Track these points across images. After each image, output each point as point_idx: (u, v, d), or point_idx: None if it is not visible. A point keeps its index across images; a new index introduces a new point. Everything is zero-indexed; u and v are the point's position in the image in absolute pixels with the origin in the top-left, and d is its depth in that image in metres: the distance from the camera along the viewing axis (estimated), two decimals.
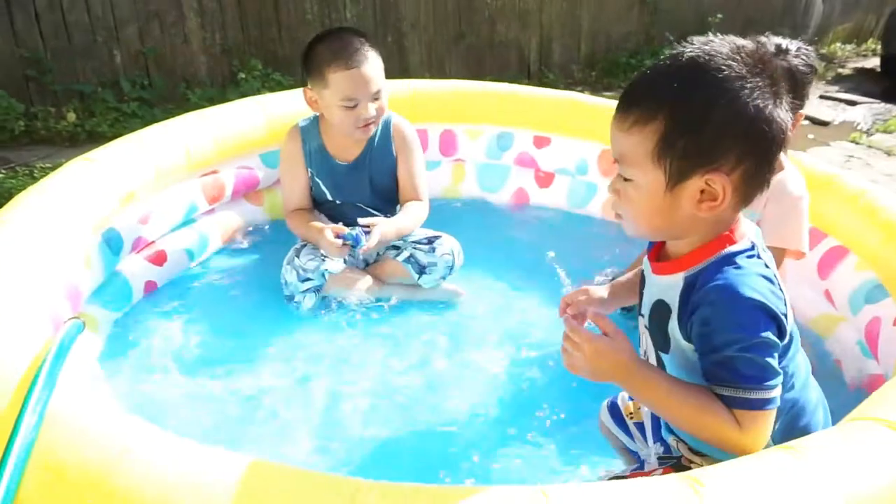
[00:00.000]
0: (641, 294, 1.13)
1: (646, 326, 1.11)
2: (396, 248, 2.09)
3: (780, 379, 0.96)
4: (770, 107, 0.92)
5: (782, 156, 1.57)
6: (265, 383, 1.70)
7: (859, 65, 7.45)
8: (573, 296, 1.25)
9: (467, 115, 2.67)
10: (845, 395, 1.62)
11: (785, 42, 1.51)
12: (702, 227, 0.99)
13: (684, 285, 1.00)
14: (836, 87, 6.26)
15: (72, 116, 3.75)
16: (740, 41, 0.96)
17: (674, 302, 1.02)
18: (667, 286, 1.04)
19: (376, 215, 2.09)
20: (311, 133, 2.07)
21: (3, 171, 3.30)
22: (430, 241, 2.06)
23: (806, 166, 2.02)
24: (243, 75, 4.19)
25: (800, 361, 1.07)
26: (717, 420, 0.95)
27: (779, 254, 1.59)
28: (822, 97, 5.93)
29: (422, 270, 2.01)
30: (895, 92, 5.81)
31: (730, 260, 0.97)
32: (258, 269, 2.21)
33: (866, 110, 5.33)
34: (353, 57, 1.86)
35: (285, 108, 2.34)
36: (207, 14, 4.16)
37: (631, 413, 1.32)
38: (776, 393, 0.95)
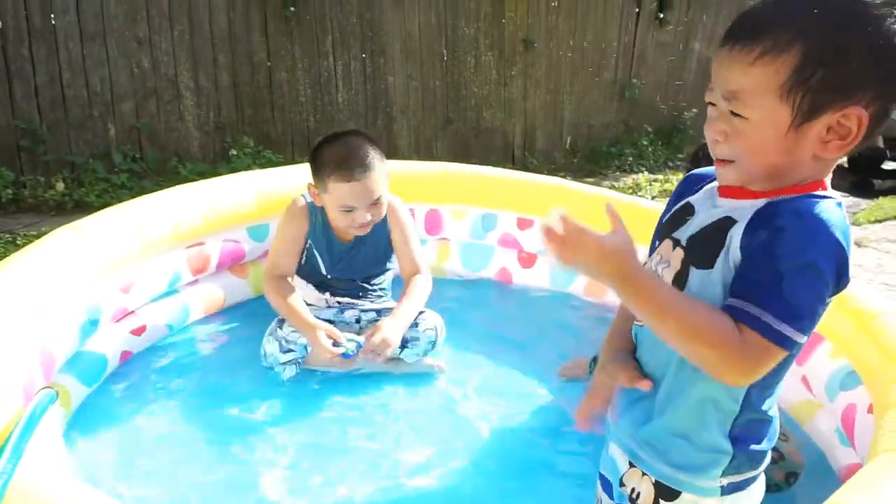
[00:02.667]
0: (683, 221, 1.00)
1: (681, 247, 0.98)
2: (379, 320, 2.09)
3: (809, 331, 0.86)
4: None
5: None
6: (240, 456, 1.65)
7: None
8: (590, 403, 1.14)
9: (453, 196, 2.74)
10: (834, 483, 1.60)
11: None
12: (812, 169, 0.90)
13: (765, 204, 0.90)
14: None
15: (60, 186, 3.79)
16: None
17: (745, 216, 0.91)
18: (741, 206, 0.93)
19: (365, 287, 2.14)
20: (316, 211, 2.10)
21: None
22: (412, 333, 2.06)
23: None
24: (234, 152, 4.29)
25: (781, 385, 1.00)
26: (720, 325, 0.84)
27: None
28: None
29: (404, 344, 2.01)
30: (862, 186, 6.06)
31: (823, 198, 0.89)
32: (237, 341, 2.19)
33: None
34: (354, 170, 1.88)
35: (276, 183, 2.39)
36: (203, 93, 4.30)
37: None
38: (798, 339, 0.85)
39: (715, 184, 1.00)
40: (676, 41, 6.93)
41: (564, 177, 5.58)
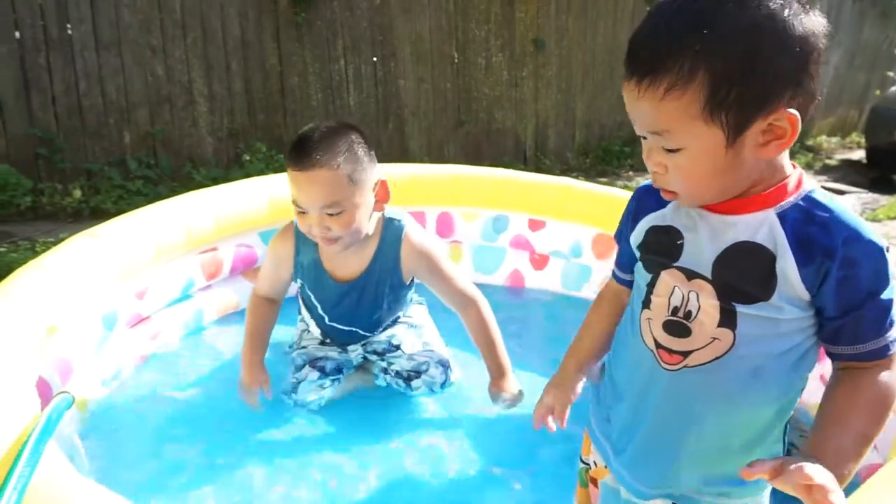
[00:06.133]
0: (676, 247, 0.96)
1: (702, 278, 0.93)
2: (383, 366, 1.93)
3: None
4: (807, 17, 0.81)
5: None
6: (251, 466, 1.66)
7: (845, 156, 7.71)
8: (543, 411, 1.17)
9: (464, 199, 2.74)
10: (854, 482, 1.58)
11: None
12: (766, 170, 0.88)
13: (784, 221, 0.88)
14: (825, 177, 6.46)
15: (77, 193, 3.84)
16: None
17: (776, 241, 0.88)
18: (753, 225, 0.89)
19: (367, 336, 1.91)
20: (306, 244, 1.75)
21: (6, 245, 3.34)
22: (418, 371, 1.90)
23: None
24: (248, 157, 4.33)
25: None
26: (886, 388, 0.90)
27: None
28: None
29: (408, 380, 1.91)
30: (882, 181, 5.99)
31: (822, 194, 0.89)
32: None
33: (855, 200, 5.47)
34: (301, 158, 1.54)
35: (287, 189, 2.41)
36: (217, 99, 4.34)
37: None
38: None
39: None
40: None
41: (577, 177, 5.57)
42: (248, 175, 4.33)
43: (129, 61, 4.00)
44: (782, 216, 0.88)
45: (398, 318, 1.97)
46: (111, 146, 4.05)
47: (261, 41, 4.42)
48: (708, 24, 0.79)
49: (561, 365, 1.22)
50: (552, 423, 1.18)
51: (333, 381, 1.87)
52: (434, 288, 1.82)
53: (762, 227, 0.89)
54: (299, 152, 1.55)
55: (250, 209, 2.34)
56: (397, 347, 1.92)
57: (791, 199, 0.89)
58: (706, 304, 0.93)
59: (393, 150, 5.20)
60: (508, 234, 2.76)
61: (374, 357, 1.95)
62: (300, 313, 2.00)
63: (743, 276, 0.91)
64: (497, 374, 1.79)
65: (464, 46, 5.39)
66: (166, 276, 2.12)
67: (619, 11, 6.20)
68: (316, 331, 1.94)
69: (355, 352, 1.95)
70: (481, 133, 5.68)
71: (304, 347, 1.94)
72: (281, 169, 4.43)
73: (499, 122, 5.74)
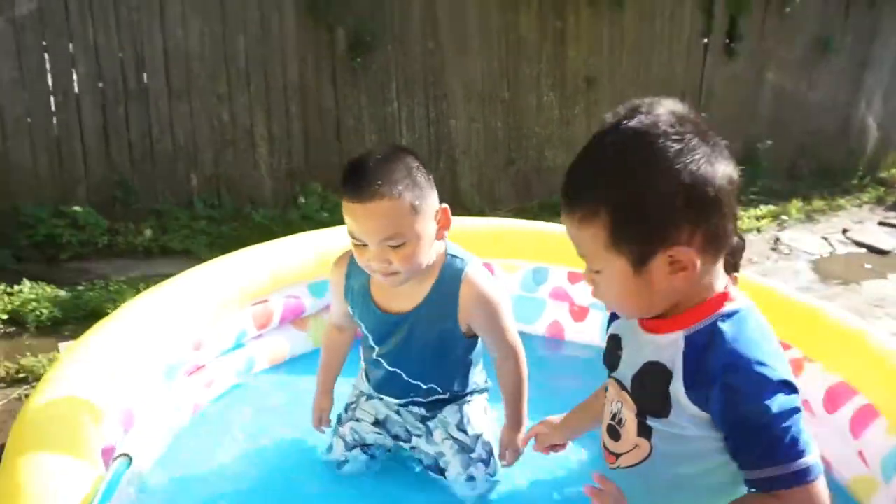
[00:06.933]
0: (617, 357, 1.08)
1: (626, 391, 1.04)
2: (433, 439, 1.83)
3: (813, 445, 0.91)
4: (706, 166, 0.89)
5: None
6: None
7: None
8: (537, 428, 1.35)
9: (504, 251, 2.82)
10: None
11: None
12: (686, 292, 0.95)
13: (687, 345, 0.95)
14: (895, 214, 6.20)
15: (148, 232, 4.12)
16: (669, 105, 0.95)
17: (674, 363, 0.96)
18: (662, 346, 0.98)
19: (413, 388, 1.78)
20: (358, 270, 1.66)
21: (84, 283, 3.62)
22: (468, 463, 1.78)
23: (831, 319, 2.05)
24: (303, 199, 4.54)
25: None
26: None
27: None
28: (880, 223, 5.85)
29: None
30: None
31: (734, 319, 0.94)
32: (300, 393, 2.30)
33: None
34: (361, 190, 1.44)
35: (332, 243, 2.55)
36: (276, 141, 4.58)
37: None
38: (816, 457, 0.90)
39: None
40: (748, 72, 6.77)
41: None
42: (303, 214, 4.54)
43: (197, 109, 4.29)
44: (689, 339, 0.96)
45: (453, 397, 1.82)
46: (179, 188, 4.33)
47: (319, 85, 4.65)
48: (611, 170, 0.91)
49: (567, 414, 1.38)
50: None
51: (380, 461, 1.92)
52: (485, 336, 1.72)
53: (670, 348, 0.97)
54: (356, 182, 1.45)
55: (300, 263, 2.49)
56: (442, 462, 1.82)
57: (702, 323, 0.95)
58: (627, 415, 1.04)
59: (444, 189, 5.28)
60: (548, 285, 2.81)
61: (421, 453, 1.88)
62: (361, 362, 1.94)
63: (648, 393, 1.00)
64: (513, 425, 1.79)
65: (515, 86, 5.49)
66: (221, 327, 2.27)
67: (674, 45, 6.17)
68: (364, 384, 1.90)
69: (402, 424, 1.88)
70: (532, 171, 5.74)
71: (357, 420, 1.89)
72: (334, 207, 4.64)
73: (549, 159, 5.79)
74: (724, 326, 0.94)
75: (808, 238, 5.48)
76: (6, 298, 3.27)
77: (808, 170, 7.47)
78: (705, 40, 6.35)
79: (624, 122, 0.92)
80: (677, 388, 0.95)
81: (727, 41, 6.48)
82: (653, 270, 0.92)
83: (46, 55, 3.87)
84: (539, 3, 5.37)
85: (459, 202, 5.38)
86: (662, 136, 0.88)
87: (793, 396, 0.91)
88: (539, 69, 5.55)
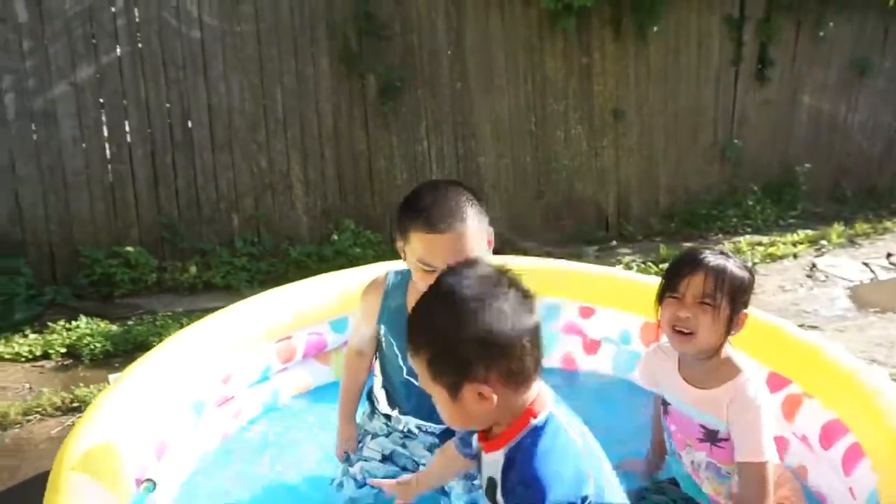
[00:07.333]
0: (479, 470, 1.30)
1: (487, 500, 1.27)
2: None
3: None
4: (501, 321, 1.10)
5: (737, 357, 1.68)
6: None
7: None
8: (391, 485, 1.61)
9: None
10: None
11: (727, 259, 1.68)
12: (497, 416, 1.17)
13: (505, 461, 1.19)
14: None
15: (193, 270, 4.42)
16: (480, 270, 1.17)
17: (498, 477, 1.20)
18: (492, 463, 1.21)
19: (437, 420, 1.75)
20: (396, 291, 1.89)
21: (134, 318, 3.92)
22: None
23: (829, 356, 2.09)
24: (336, 237, 4.78)
25: None
26: None
27: (750, 466, 1.62)
28: None
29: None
30: None
31: (536, 435, 1.16)
32: (323, 423, 2.42)
33: None
34: (437, 223, 1.60)
35: (355, 282, 2.73)
36: (312, 183, 4.85)
37: None
38: None
39: None
40: (782, 96, 6.74)
41: (661, 242, 5.57)
42: (337, 251, 4.77)
43: (238, 158, 4.60)
44: (506, 455, 1.19)
45: None
46: (222, 229, 4.64)
47: (351, 130, 4.91)
48: (424, 323, 1.16)
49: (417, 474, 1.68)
50: None
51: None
52: None
53: (496, 464, 1.21)
54: (435, 216, 1.60)
55: (323, 303, 2.68)
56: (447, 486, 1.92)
57: (514, 440, 1.18)
58: None
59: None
60: (560, 320, 2.91)
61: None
62: (371, 391, 2.07)
63: (491, 501, 1.23)
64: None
65: (542, 121, 5.64)
66: (247, 363, 2.47)
67: (702, 72, 6.22)
68: (384, 404, 2.00)
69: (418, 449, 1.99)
70: (561, 203, 5.84)
71: (366, 460, 2.01)
72: (366, 243, 4.85)
73: (579, 191, 5.88)
74: (527, 444, 1.17)
75: (848, 263, 5.37)
76: (65, 333, 3.59)
77: (851, 192, 7.31)
78: (735, 69, 6.37)
79: (438, 284, 1.17)
80: (500, 498, 1.20)
81: (759, 66, 6.48)
82: (464, 399, 1.14)
83: (103, 113, 4.26)
84: (564, 42, 5.54)
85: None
86: (464, 297, 1.11)
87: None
88: (566, 104, 5.69)
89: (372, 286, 1.95)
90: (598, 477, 1.18)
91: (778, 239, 5.76)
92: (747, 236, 5.89)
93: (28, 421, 2.83)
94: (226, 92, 4.50)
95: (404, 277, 1.90)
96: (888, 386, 1.87)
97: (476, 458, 1.34)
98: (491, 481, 1.22)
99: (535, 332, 1.13)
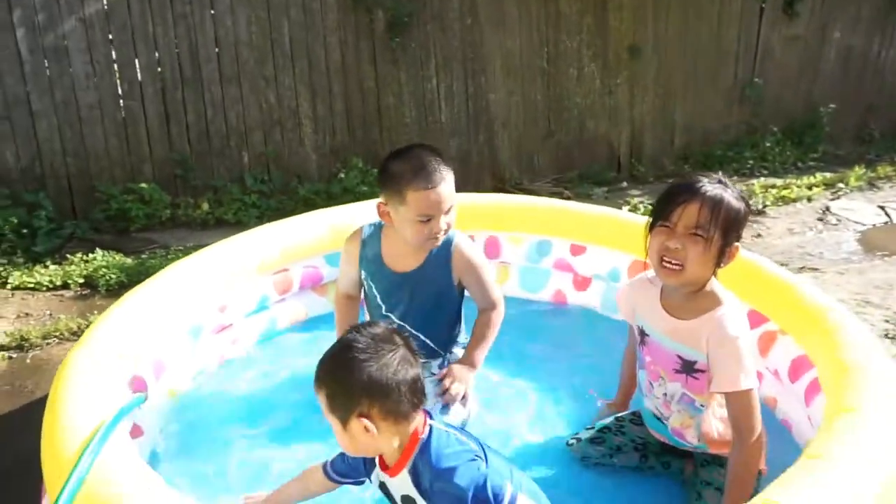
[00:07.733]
0: (390, 496, 1.54)
1: None
2: None
3: None
4: (382, 371, 1.35)
5: (719, 288, 1.67)
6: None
7: None
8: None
9: (510, 225, 2.99)
10: None
11: (730, 189, 1.60)
12: (383, 444, 1.41)
13: (411, 475, 1.44)
14: None
15: (205, 206, 4.54)
16: (377, 330, 1.42)
17: (412, 490, 1.45)
18: (401, 483, 1.46)
19: (427, 344, 2.15)
20: (371, 241, 2.18)
21: (148, 252, 4.08)
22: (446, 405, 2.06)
23: (806, 294, 2.12)
24: (343, 175, 4.84)
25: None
26: None
27: (733, 397, 1.60)
28: None
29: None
30: None
31: (426, 444, 1.43)
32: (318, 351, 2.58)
33: None
34: (432, 177, 1.93)
35: (345, 219, 2.80)
36: (320, 120, 4.88)
37: None
38: None
39: None
40: (811, 32, 6.47)
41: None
42: (346, 188, 4.84)
43: (246, 92, 4.63)
44: (411, 469, 1.43)
45: (441, 347, 2.23)
46: (232, 165, 4.72)
47: (359, 65, 4.89)
48: (324, 367, 1.42)
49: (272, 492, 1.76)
50: None
51: None
52: (472, 290, 2.18)
53: (405, 483, 1.44)
54: (429, 174, 1.94)
55: (316, 237, 2.76)
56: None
57: (413, 456, 1.43)
58: None
59: (483, 162, 5.48)
60: (552, 257, 2.97)
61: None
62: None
63: None
64: (467, 361, 2.09)
65: (555, 58, 5.52)
66: (244, 292, 2.59)
67: (724, 12, 5.99)
68: None
69: None
70: (572, 142, 5.78)
71: None
72: (374, 182, 4.88)
73: (591, 130, 5.81)
74: (422, 453, 1.43)
75: (863, 207, 5.27)
76: (83, 265, 3.76)
77: (879, 132, 7.08)
78: (762, 5, 6.11)
79: (342, 338, 1.43)
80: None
81: (788, 5, 6.20)
82: (352, 429, 1.38)
83: (112, 49, 4.30)
84: None
85: (499, 174, 5.53)
86: (358, 350, 1.37)
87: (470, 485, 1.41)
88: (579, 40, 5.55)
89: (352, 237, 2.24)
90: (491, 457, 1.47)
91: (793, 181, 5.66)
92: (762, 179, 5.79)
93: (48, 344, 3.02)
94: (232, 24, 4.50)
95: (377, 229, 2.20)
96: (851, 323, 1.91)
97: (381, 487, 1.57)
98: (407, 499, 1.47)
99: (413, 381, 1.40)
